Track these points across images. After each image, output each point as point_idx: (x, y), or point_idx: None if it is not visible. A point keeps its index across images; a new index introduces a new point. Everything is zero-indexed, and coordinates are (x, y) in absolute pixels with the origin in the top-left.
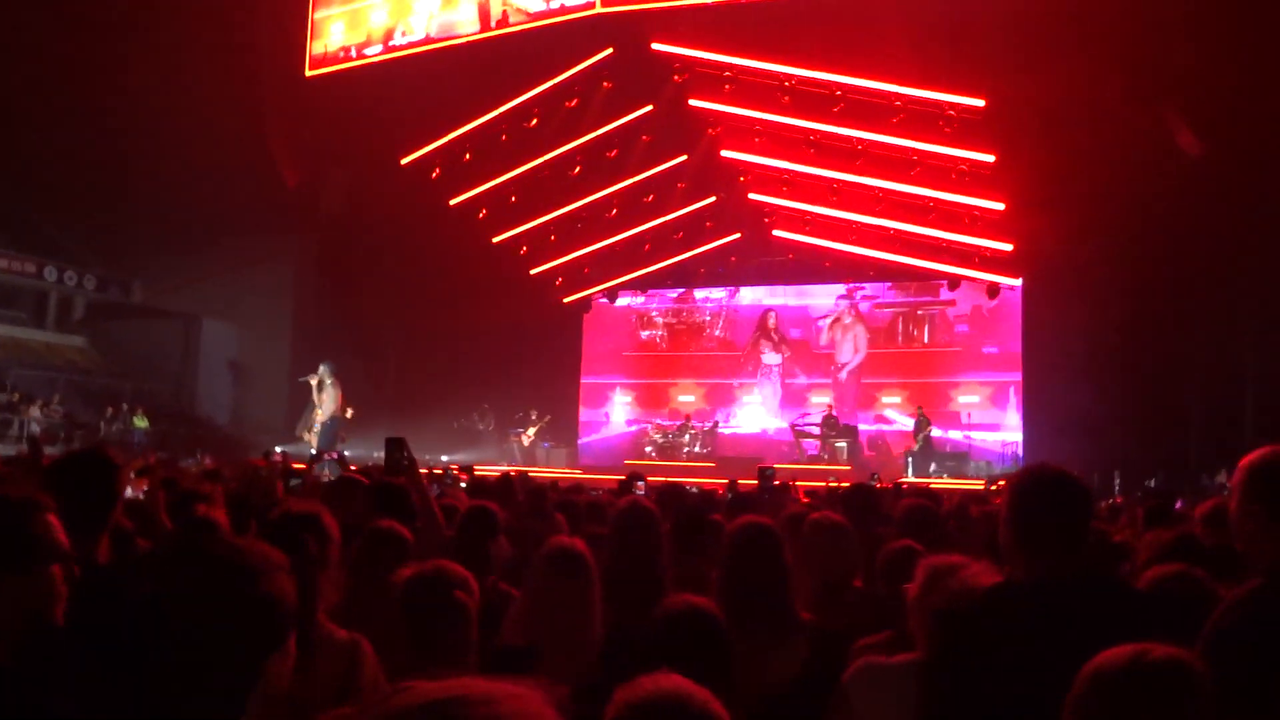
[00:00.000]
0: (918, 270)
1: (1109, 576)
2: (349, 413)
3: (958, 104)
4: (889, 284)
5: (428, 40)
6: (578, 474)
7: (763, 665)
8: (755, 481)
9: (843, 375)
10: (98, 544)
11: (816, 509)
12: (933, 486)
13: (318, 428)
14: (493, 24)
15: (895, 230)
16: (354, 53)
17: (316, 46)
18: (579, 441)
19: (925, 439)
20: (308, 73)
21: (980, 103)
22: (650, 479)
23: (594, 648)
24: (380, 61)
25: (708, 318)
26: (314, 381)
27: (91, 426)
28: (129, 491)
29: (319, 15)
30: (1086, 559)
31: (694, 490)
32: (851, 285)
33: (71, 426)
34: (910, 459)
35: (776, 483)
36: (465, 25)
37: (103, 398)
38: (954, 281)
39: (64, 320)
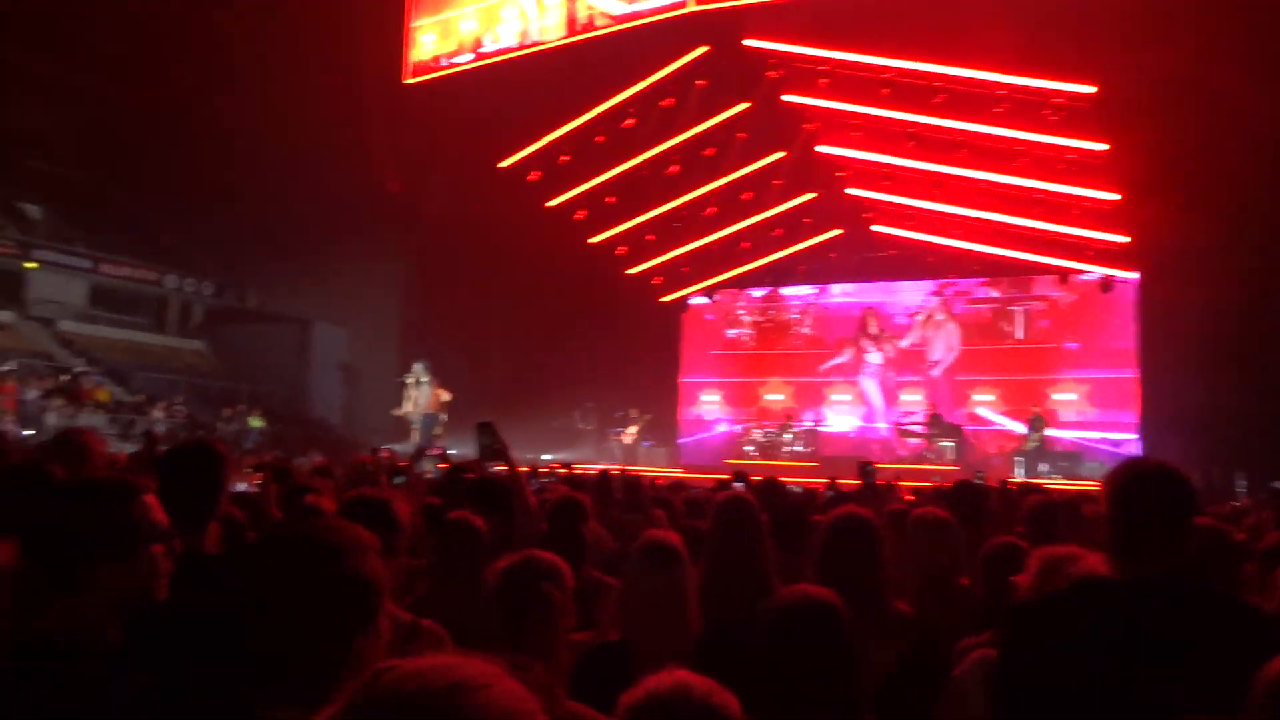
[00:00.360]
0: (1025, 264)
1: (1204, 581)
2: (444, 398)
3: (1066, 91)
4: (983, 279)
5: (519, 47)
6: (678, 472)
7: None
8: (857, 481)
9: (936, 372)
10: (205, 532)
11: (920, 506)
12: (1045, 487)
13: (415, 424)
14: (578, 29)
15: (1001, 223)
16: (444, 61)
17: (413, 55)
18: (679, 441)
19: (1040, 440)
20: (406, 81)
21: (1091, 89)
22: (752, 478)
23: (690, 642)
24: (475, 68)
25: (795, 315)
26: (410, 380)
27: (210, 427)
28: (244, 485)
29: (413, 25)
30: (1189, 559)
31: (795, 489)
32: (942, 281)
33: (192, 427)
34: (1022, 459)
35: (880, 481)
36: (552, 31)
37: (220, 399)
38: (1064, 275)
39: (184, 325)
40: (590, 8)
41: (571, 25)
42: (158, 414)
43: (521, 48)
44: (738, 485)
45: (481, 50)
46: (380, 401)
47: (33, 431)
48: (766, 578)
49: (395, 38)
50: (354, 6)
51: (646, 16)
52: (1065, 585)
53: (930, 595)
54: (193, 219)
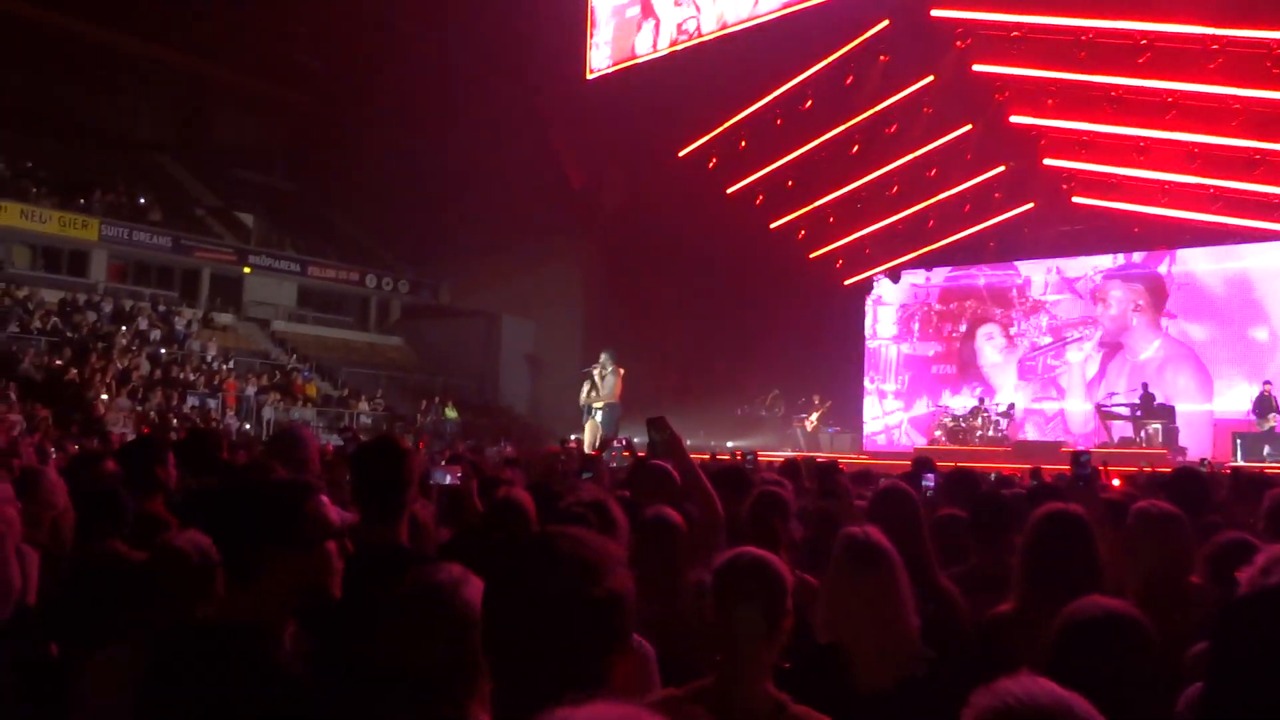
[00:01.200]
0: (1244, 230)
1: None
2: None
3: None
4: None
5: (693, 35)
6: (863, 459)
7: None
8: (1064, 467)
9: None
10: (397, 525)
11: (1135, 497)
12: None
13: (598, 416)
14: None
15: (1215, 188)
16: (622, 55)
17: (593, 51)
18: (863, 427)
19: (1273, 423)
20: (588, 75)
21: None
22: (940, 465)
23: (911, 644)
24: (653, 60)
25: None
26: (595, 371)
27: (409, 418)
28: (447, 479)
29: (595, 17)
30: None
31: (990, 478)
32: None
33: (392, 419)
34: (1239, 441)
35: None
36: (732, 14)
37: (418, 392)
38: None
39: (383, 322)
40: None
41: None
42: (363, 406)
43: (697, 36)
44: (928, 479)
45: (660, 43)
46: (565, 391)
47: (249, 425)
48: (932, 573)
49: (578, 34)
50: (537, 6)
51: None
52: None
53: (1155, 598)
54: (389, 222)
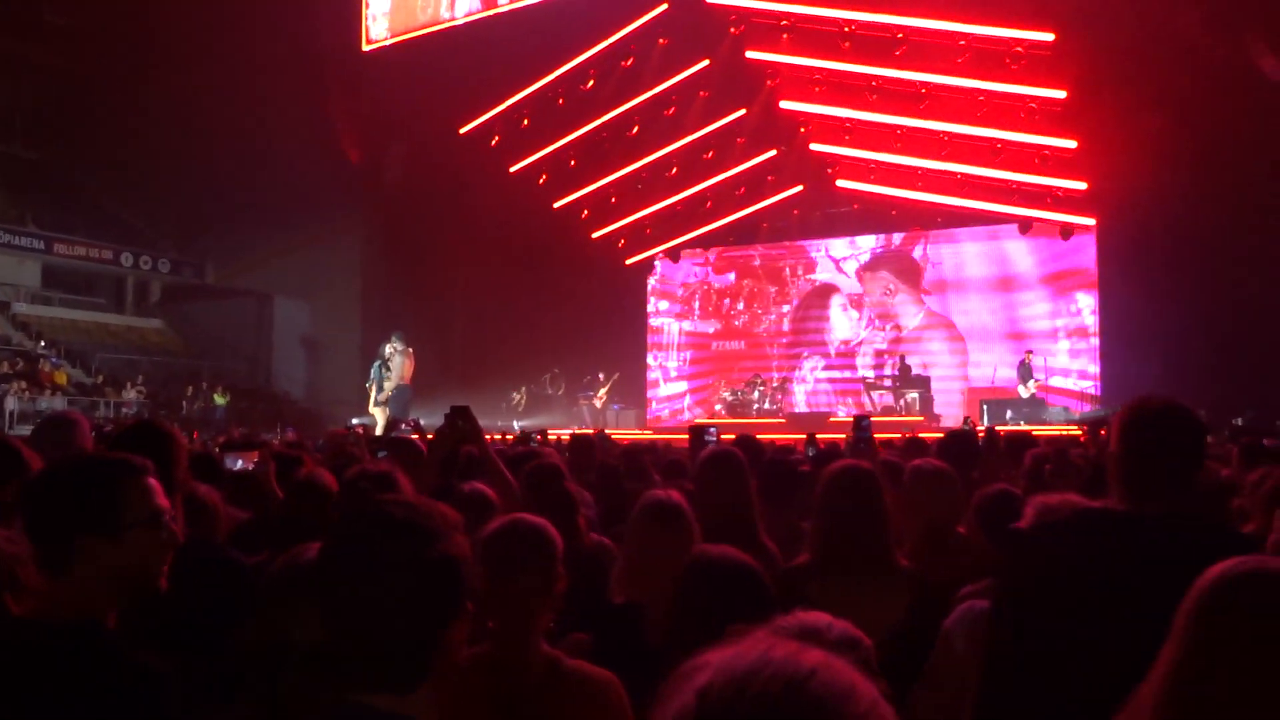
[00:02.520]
0: (987, 215)
1: (1210, 516)
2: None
3: (1026, 40)
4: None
5: (477, 11)
6: (648, 434)
7: (862, 612)
8: (835, 436)
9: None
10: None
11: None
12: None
13: (388, 397)
14: None
15: (963, 174)
16: (402, 28)
17: (371, 23)
18: (649, 403)
19: (1033, 389)
20: (364, 48)
21: (1049, 37)
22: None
23: None
24: (432, 34)
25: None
26: (385, 351)
27: (174, 406)
28: (239, 464)
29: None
30: (1196, 497)
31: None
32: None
33: (156, 406)
34: (985, 407)
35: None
36: None
37: (183, 377)
38: (1025, 224)
39: (142, 303)
40: None
41: None
42: (128, 394)
43: (477, 12)
44: (710, 434)
45: (439, 18)
46: (344, 375)
47: None
48: (756, 530)
49: (354, 2)
50: None
51: None
52: (1069, 514)
53: (931, 548)
54: (147, 195)
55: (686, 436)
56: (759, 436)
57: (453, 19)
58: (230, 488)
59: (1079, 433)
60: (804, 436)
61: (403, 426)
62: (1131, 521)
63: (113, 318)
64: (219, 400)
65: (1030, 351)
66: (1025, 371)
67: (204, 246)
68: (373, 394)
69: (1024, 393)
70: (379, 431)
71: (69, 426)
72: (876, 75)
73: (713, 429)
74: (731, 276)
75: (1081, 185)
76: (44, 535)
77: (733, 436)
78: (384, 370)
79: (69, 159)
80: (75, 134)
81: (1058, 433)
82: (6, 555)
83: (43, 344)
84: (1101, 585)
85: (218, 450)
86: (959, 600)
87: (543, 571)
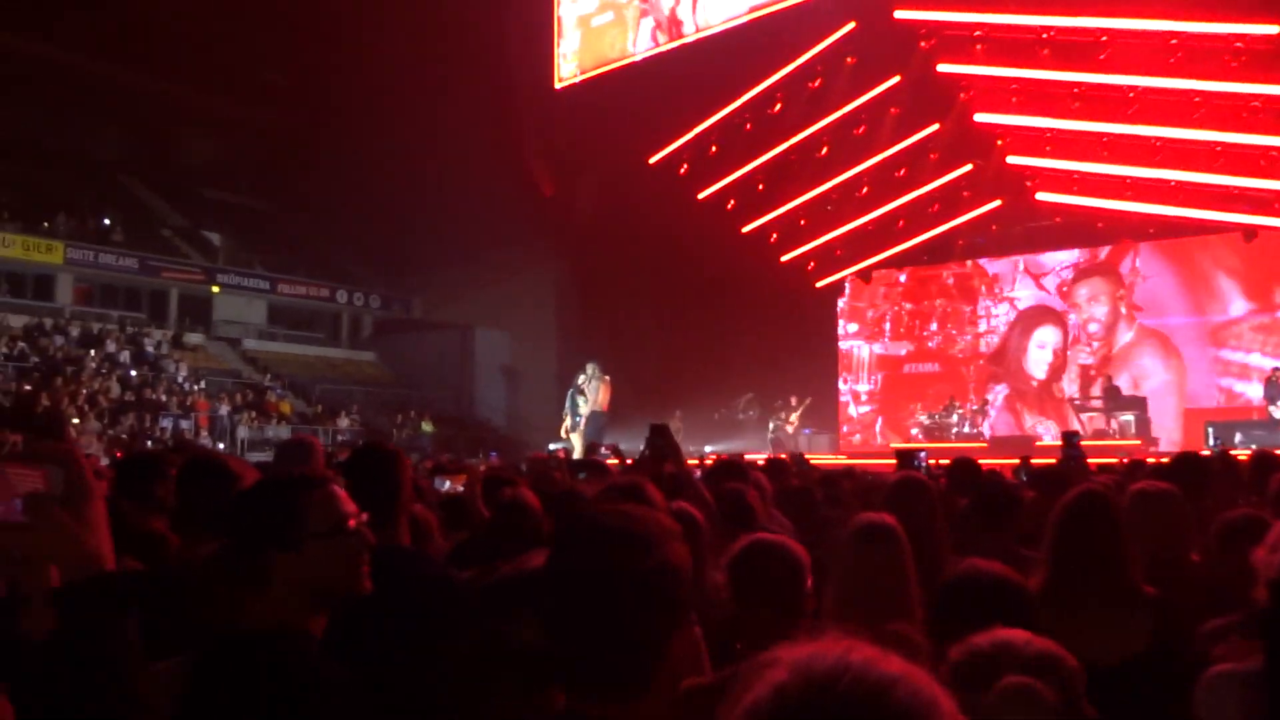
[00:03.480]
0: (1206, 223)
1: None
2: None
3: (1246, 34)
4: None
5: (656, 45)
6: (842, 459)
7: (1101, 639)
8: (1043, 461)
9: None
10: (397, 528)
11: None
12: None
13: (581, 424)
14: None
15: (1177, 181)
16: (591, 65)
17: (561, 62)
18: (841, 426)
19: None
20: (556, 85)
21: (1274, 29)
22: (929, 460)
23: (910, 613)
24: (622, 67)
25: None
26: (580, 379)
27: (385, 433)
28: (446, 486)
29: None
30: None
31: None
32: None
33: (369, 434)
34: (1211, 429)
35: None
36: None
37: (393, 407)
38: (1249, 232)
39: (355, 337)
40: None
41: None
42: (341, 422)
43: (664, 45)
44: (922, 458)
45: (626, 53)
46: (542, 402)
47: (224, 445)
48: (940, 559)
49: (545, 44)
50: (503, 19)
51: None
52: None
53: (1161, 575)
54: (359, 236)
55: (882, 461)
56: None
57: (637, 53)
58: (440, 510)
59: None
60: (1010, 461)
61: (601, 450)
62: None
63: (330, 351)
64: (425, 429)
65: (1278, 368)
66: (1275, 390)
67: (411, 282)
68: (567, 420)
69: (1277, 414)
70: (577, 455)
71: (307, 450)
72: (1078, 82)
73: (923, 453)
74: (926, 297)
75: None
76: (240, 551)
77: (947, 461)
78: (579, 397)
79: (289, 206)
80: (294, 183)
81: None
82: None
83: (269, 377)
84: None
85: (427, 474)
86: (1204, 635)
87: (794, 592)
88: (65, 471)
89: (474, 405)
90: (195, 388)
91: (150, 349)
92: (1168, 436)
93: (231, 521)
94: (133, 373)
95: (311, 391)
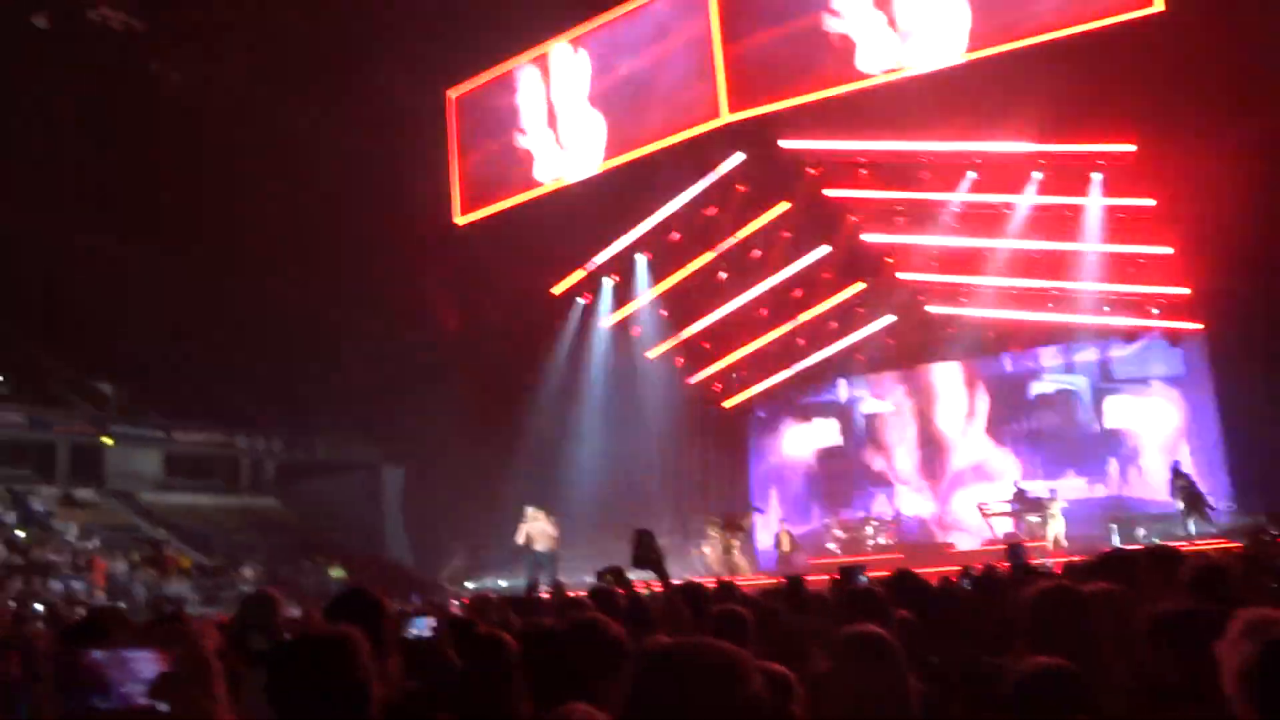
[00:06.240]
0: (1090, 328)
1: None
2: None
3: (1107, 153)
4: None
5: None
6: (761, 579)
7: None
8: (950, 569)
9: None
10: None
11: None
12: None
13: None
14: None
15: (1058, 290)
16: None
17: (458, 198)
18: (755, 547)
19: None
20: (456, 221)
21: (1131, 148)
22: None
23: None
24: (519, 204)
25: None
26: (524, 525)
27: (292, 582)
28: (425, 629)
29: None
30: None
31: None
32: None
33: (274, 584)
34: (1115, 526)
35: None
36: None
37: (299, 552)
38: (1131, 333)
39: (256, 483)
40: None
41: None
42: (248, 573)
43: (560, 180)
44: (863, 577)
45: (524, 187)
46: (448, 541)
47: (124, 604)
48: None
49: (442, 180)
50: (398, 159)
51: (682, 130)
52: None
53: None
54: (256, 378)
55: (814, 578)
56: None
57: (538, 185)
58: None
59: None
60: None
61: (542, 587)
62: None
63: (230, 499)
64: (334, 574)
65: (1177, 461)
66: (1182, 488)
67: (313, 423)
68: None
69: (1179, 506)
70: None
71: (270, 604)
72: (958, 200)
73: (861, 567)
74: (827, 412)
75: (1184, 290)
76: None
77: (885, 573)
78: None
79: (184, 354)
80: (189, 331)
81: (1203, 546)
82: None
83: (163, 530)
84: None
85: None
86: None
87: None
88: (186, 650)
89: (384, 546)
90: (89, 545)
91: (39, 507)
92: (1082, 534)
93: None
94: (19, 534)
95: (212, 543)
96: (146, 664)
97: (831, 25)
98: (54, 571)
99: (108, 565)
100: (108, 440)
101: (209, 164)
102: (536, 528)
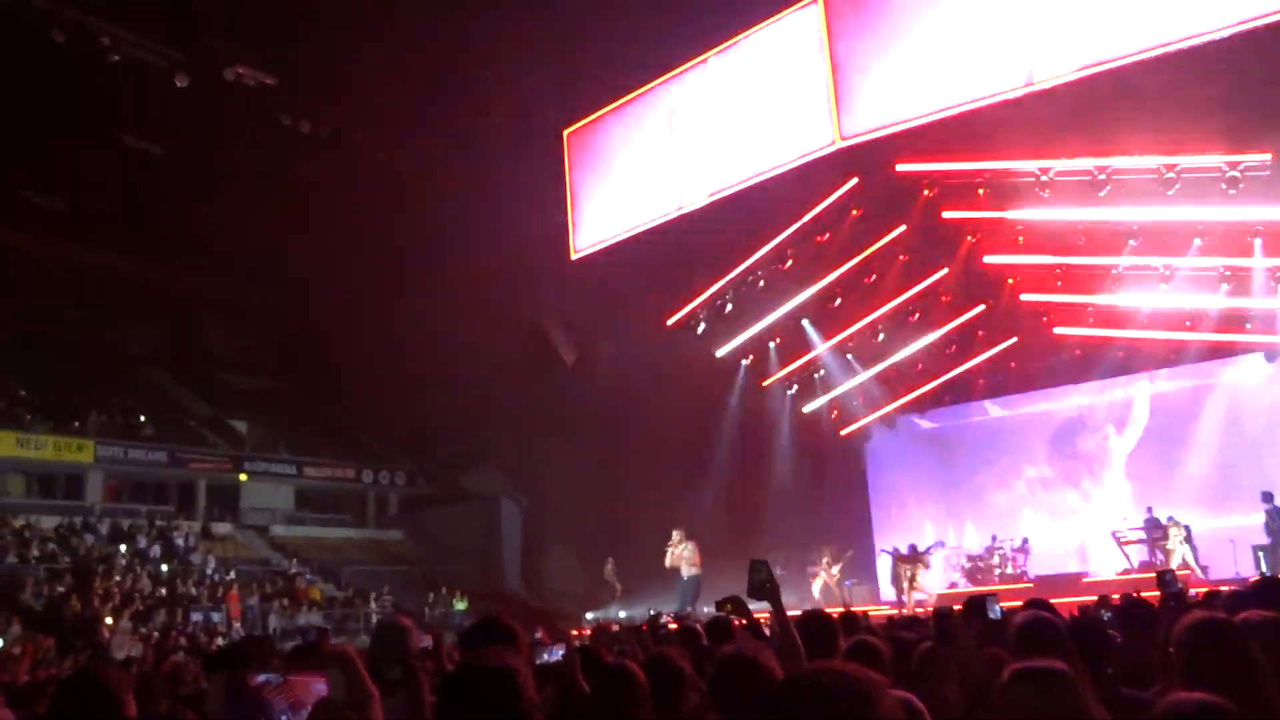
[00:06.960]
0: (1223, 346)
1: None
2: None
3: (1242, 162)
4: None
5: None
6: (884, 609)
7: None
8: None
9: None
10: None
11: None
12: None
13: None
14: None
15: (1190, 307)
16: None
17: (574, 234)
18: (878, 576)
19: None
20: (572, 256)
21: (1266, 156)
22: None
23: None
24: (633, 236)
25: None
26: (671, 543)
27: (417, 613)
28: (557, 656)
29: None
30: None
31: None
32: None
33: (400, 614)
34: (1264, 553)
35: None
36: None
37: (423, 584)
38: (1272, 352)
39: (381, 516)
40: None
41: (721, 181)
42: (372, 605)
43: (672, 213)
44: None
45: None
46: (568, 571)
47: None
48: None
49: (560, 215)
50: (516, 196)
51: (795, 157)
52: None
53: None
54: (382, 414)
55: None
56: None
57: (651, 218)
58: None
59: None
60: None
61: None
62: None
63: (357, 532)
64: (458, 606)
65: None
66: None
67: (435, 456)
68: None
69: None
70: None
71: (401, 632)
72: (1081, 219)
73: (994, 597)
74: (948, 437)
75: None
76: None
77: (1017, 603)
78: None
79: (313, 389)
80: (317, 366)
81: None
82: None
83: (295, 562)
84: None
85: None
86: None
87: None
88: (345, 674)
89: (503, 577)
90: (225, 578)
91: (180, 541)
92: (1219, 563)
93: None
94: (164, 567)
95: (341, 575)
96: (308, 688)
97: (944, 42)
98: (194, 604)
99: (241, 597)
100: (242, 476)
101: (339, 208)
102: (680, 553)
